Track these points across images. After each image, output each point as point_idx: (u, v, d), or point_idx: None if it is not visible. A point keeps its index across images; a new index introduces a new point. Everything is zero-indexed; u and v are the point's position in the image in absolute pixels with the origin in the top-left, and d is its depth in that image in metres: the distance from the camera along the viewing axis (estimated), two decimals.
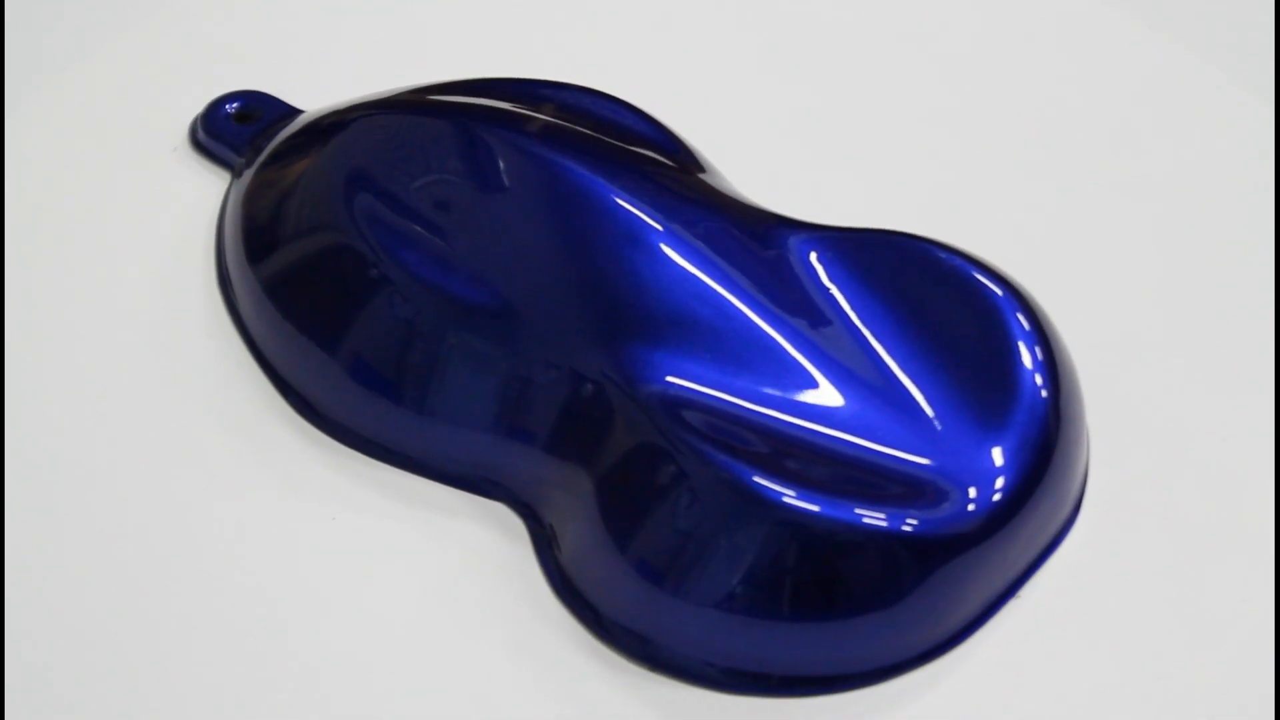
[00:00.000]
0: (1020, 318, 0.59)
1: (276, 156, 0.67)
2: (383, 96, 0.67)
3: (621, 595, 0.59)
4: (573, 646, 0.59)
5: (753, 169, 0.68)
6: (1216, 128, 0.74)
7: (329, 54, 0.75)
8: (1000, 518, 0.57)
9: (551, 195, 0.61)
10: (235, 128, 0.71)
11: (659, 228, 0.60)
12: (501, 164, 0.62)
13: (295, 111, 0.71)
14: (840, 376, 0.58)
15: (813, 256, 0.61)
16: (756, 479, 0.56)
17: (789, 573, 0.56)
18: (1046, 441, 0.58)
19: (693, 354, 0.59)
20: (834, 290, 0.60)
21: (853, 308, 0.60)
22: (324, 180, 0.64)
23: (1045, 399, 0.58)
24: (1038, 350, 0.59)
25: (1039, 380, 0.58)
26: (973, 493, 0.57)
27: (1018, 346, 0.59)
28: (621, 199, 0.61)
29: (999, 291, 0.60)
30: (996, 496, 0.57)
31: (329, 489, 0.62)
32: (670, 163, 0.64)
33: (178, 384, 0.65)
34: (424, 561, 0.61)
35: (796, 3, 0.78)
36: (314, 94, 0.72)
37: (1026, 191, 0.72)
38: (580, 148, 0.63)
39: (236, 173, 0.70)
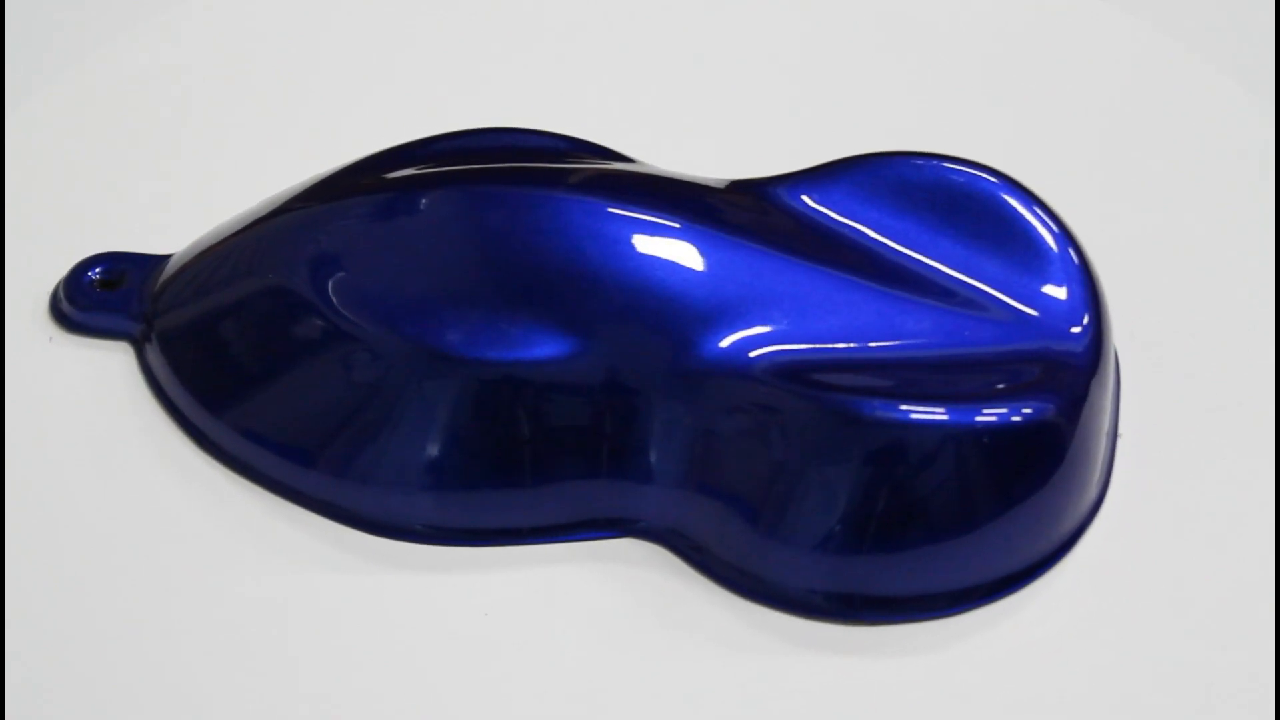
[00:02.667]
0: (1012, 191, 0.64)
1: (196, 294, 0.64)
2: (289, 198, 0.65)
3: (808, 561, 0.60)
4: (775, 634, 0.61)
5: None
6: (1217, 126, 0.75)
7: (160, 198, 0.71)
8: (1098, 341, 0.62)
9: (556, 232, 0.61)
10: (105, 295, 0.66)
11: (675, 225, 0.62)
12: (490, 217, 0.62)
13: (163, 258, 0.67)
14: (902, 295, 0.62)
15: (806, 200, 0.64)
16: (904, 408, 0.59)
17: (963, 480, 0.59)
18: (1086, 270, 0.63)
19: (769, 322, 0.60)
20: (847, 221, 0.63)
21: (874, 229, 0.63)
22: (289, 296, 0.62)
23: (1063, 236, 0.63)
24: (1038, 210, 0.64)
25: (1053, 229, 0.63)
26: (1075, 331, 0.62)
27: (1023, 214, 0.63)
28: (620, 209, 0.61)
29: (988, 177, 0.64)
30: (1087, 321, 0.62)
31: (466, 590, 0.61)
32: (614, 163, 0.65)
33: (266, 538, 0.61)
34: (585, 604, 0.61)
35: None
36: (159, 239, 0.68)
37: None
38: (542, 179, 0.62)
39: (141, 337, 0.65)
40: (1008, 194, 0.64)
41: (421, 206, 0.62)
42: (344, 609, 0.61)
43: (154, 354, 0.64)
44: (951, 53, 0.76)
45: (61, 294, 0.66)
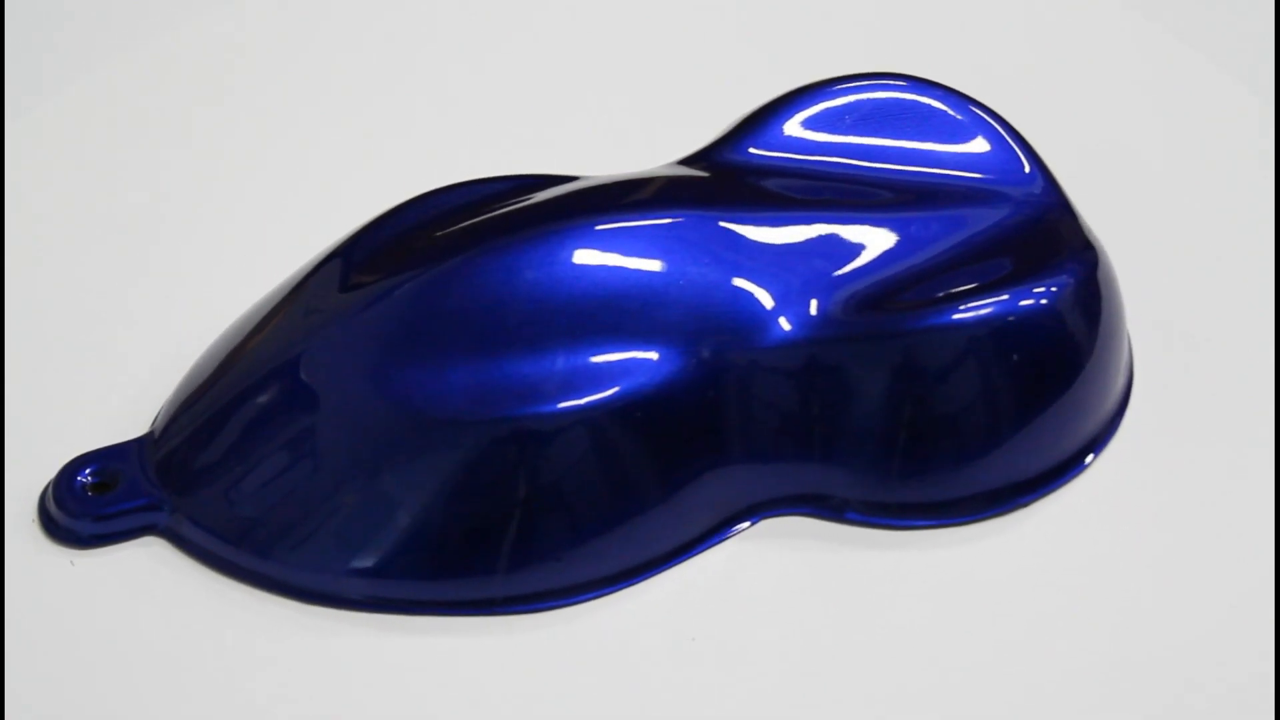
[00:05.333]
0: (913, 86, 0.67)
1: (229, 455, 0.62)
2: (278, 322, 0.63)
3: (949, 468, 0.63)
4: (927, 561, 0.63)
5: None
6: (1216, 125, 0.76)
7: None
8: (1045, 172, 0.66)
9: (590, 262, 0.61)
10: (111, 496, 0.62)
11: (680, 219, 0.62)
12: (519, 273, 0.61)
13: (144, 437, 0.64)
14: (894, 208, 0.64)
15: (753, 151, 0.65)
16: (988, 303, 0.61)
17: (1043, 354, 0.63)
18: (994, 117, 0.67)
19: (817, 274, 0.62)
20: (801, 156, 0.65)
21: (829, 155, 0.65)
22: (363, 416, 0.60)
23: (961, 100, 0.67)
24: (937, 91, 0.67)
25: (955, 101, 0.66)
26: (1026, 172, 0.65)
27: (928, 102, 0.66)
28: (635, 220, 0.62)
29: (887, 81, 0.67)
30: (1026, 161, 0.66)
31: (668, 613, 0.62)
32: (578, 183, 0.65)
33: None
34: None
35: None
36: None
37: None
38: (534, 218, 0.62)
39: (172, 523, 0.62)
40: (910, 91, 0.66)
41: (442, 286, 0.61)
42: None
43: (191, 528, 0.62)
44: (952, 52, 0.76)
45: (58, 511, 0.62)
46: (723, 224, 0.62)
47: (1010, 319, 0.62)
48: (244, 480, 0.61)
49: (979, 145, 0.66)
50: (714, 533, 0.63)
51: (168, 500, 0.62)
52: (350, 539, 0.60)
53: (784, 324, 0.61)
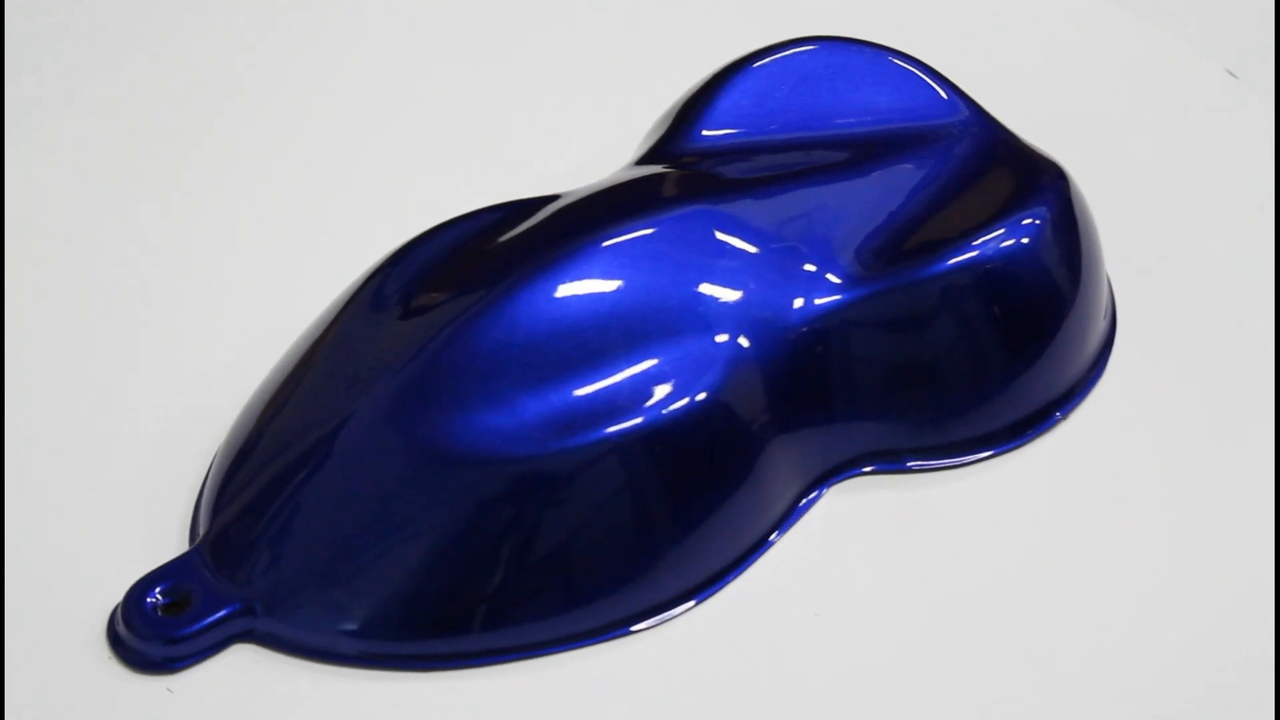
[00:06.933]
0: (846, 44, 0.68)
1: (317, 546, 0.59)
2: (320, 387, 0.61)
3: (997, 394, 0.64)
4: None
5: None
6: (1216, 124, 0.76)
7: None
8: (980, 111, 0.67)
9: (627, 275, 0.60)
10: (189, 613, 0.58)
11: (687, 210, 0.62)
12: (553, 299, 0.60)
13: (193, 551, 0.60)
14: (872, 164, 0.64)
15: (706, 134, 0.66)
16: (978, 245, 0.62)
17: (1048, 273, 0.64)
18: (909, 60, 0.68)
19: (824, 240, 0.62)
20: (765, 132, 0.66)
21: (793, 123, 0.66)
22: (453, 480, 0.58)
23: (878, 51, 0.68)
24: (878, 50, 0.68)
25: (873, 52, 0.68)
26: (946, 101, 0.67)
27: (872, 51, 0.68)
28: (651, 227, 0.61)
29: (810, 45, 0.68)
30: (953, 101, 0.67)
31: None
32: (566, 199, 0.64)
33: None
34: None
35: None
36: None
37: None
38: (550, 241, 0.61)
39: (263, 627, 0.59)
40: (827, 51, 0.67)
41: (484, 329, 0.59)
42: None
43: (282, 625, 0.59)
44: (950, 52, 0.75)
45: (137, 638, 0.58)
46: (722, 211, 0.62)
47: (1025, 241, 0.63)
48: (332, 565, 0.59)
49: (904, 89, 0.67)
50: (792, 509, 0.62)
51: (253, 603, 0.59)
52: (472, 591, 0.58)
53: (816, 292, 0.62)
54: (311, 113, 0.76)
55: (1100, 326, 0.67)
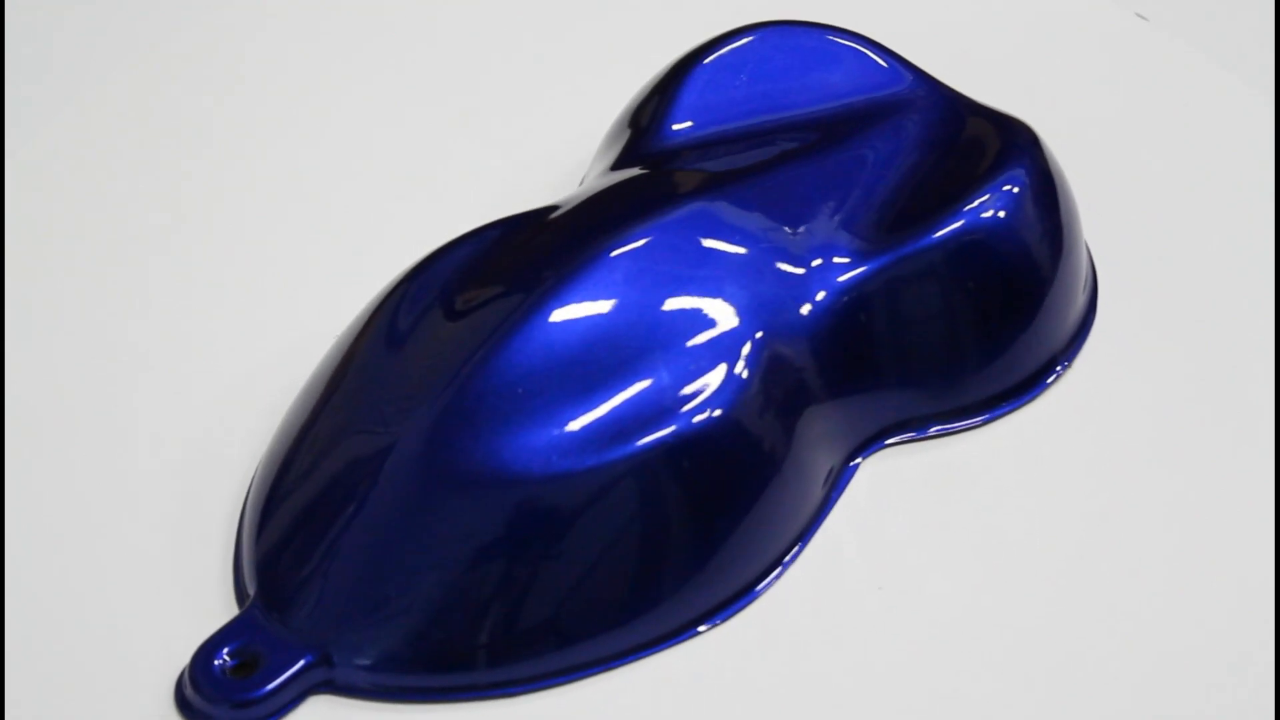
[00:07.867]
0: (789, 27, 0.69)
1: (387, 588, 0.58)
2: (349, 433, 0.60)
3: (1014, 348, 0.65)
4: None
5: None
6: (1216, 124, 0.76)
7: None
8: (928, 77, 0.68)
9: (646, 280, 0.61)
10: (257, 676, 0.57)
11: (684, 208, 0.62)
12: (586, 315, 0.60)
13: (251, 604, 0.59)
14: (847, 142, 0.65)
15: (675, 128, 0.66)
16: (987, 201, 0.63)
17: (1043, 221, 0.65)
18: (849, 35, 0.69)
19: (820, 222, 0.63)
20: (734, 120, 0.66)
21: (759, 110, 0.67)
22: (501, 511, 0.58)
23: (824, 30, 0.69)
24: (820, 30, 0.69)
25: (836, 35, 0.69)
26: (898, 73, 0.68)
27: (815, 31, 0.69)
28: (657, 230, 0.61)
29: (755, 32, 0.68)
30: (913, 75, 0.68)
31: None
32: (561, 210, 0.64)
33: None
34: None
35: None
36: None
37: None
38: (565, 254, 0.61)
39: (340, 677, 0.58)
40: (774, 36, 0.68)
41: (523, 346, 0.59)
42: None
43: (357, 671, 0.58)
44: (950, 52, 0.76)
45: (212, 705, 0.57)
46: (723, 204, 0.63)
47: (1015, 192, 0.64)
48: (400, 603, 0.58)
49: (853, 66, 0.68)
50: (832, 489, 0.63)
51: (328, 651, 0.58)
52: (549, 607, 0.58)
53: (830, 273, 0.62)
54: (311, 113, 0.76)
55: (1085, 272, 0.68)
